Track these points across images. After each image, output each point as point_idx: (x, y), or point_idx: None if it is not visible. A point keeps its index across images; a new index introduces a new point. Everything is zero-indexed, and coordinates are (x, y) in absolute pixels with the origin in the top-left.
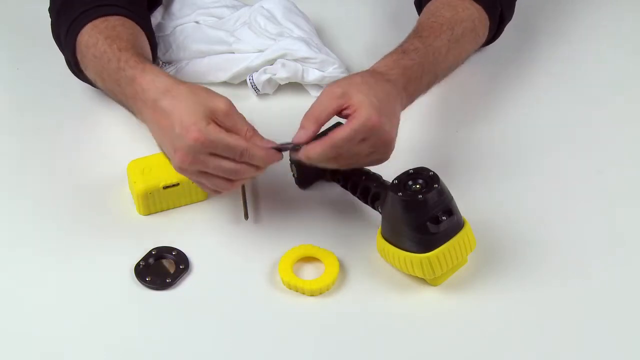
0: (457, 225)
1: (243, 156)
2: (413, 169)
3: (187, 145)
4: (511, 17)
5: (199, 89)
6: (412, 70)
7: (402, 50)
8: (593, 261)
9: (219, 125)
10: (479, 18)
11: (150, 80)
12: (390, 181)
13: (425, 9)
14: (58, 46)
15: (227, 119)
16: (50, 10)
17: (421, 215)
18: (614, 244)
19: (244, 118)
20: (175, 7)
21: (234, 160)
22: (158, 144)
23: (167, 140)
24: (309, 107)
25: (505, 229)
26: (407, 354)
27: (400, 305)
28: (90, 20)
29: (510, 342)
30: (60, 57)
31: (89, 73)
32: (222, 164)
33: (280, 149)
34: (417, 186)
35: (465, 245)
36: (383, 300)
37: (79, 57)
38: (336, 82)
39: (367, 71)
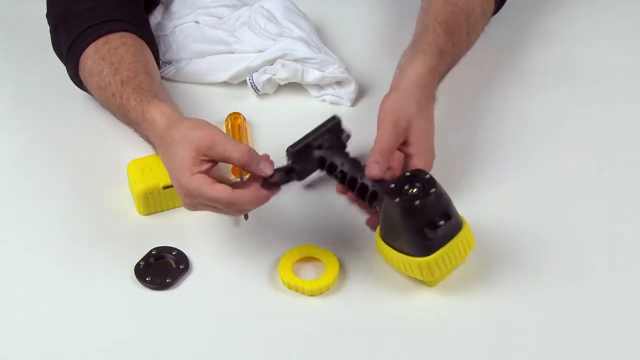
0: (454, 228)
1: (229, 208)
2: (410, 172)
3: (179, 191)
4: None
5: (187, 128)
6: (443, 73)
7: (439, 51)
8: (594, 262)
9: (211, 159)
10: (487, 1)
11: (149, 124)
12: (388, 181)
13: None
14: (59, 57)
15: (212, 152)
16: (47, 17)
17: (418, 220)
18: (615, 245)
19: (234, 143)
20: (175, 6)
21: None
22: None
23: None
24: (377, 138)
25: (504, 229)
26: (407, 354)
27: (400, 306)
28: (92, 41)
29: (510, 343)
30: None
31: (93, 96)
32: (214, 209)
33: (278, 180)
34: (414, 190)
35: (464, 247)
36: (383, 300)
37: (82, 79)
38: (397, 108)
39: (418, 88)
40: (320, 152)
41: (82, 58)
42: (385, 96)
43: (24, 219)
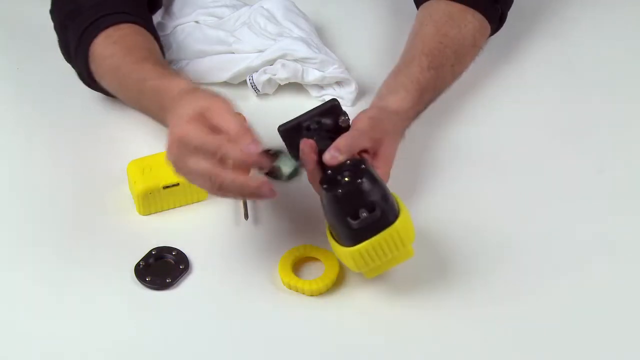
0: (382, 221)
1: (216, 155)
2: (350, 160)
3: (171, 141)
4: (510, 6)
5: (199, 93)
6: (421, 110)
7: (420, 89)
8: (593, 262)
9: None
10: (480, 30)
11: (167, 89)
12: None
13: (427, 16)
14: (65, 58)
15: (214, 116)
16: (51, 13)
17: (339, 208)
18: (615, 245)
19: (237, 118)
20: (176, 6)
21: (211, 160)
22: None
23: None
24: (350, 132)
25: (504, 229)
26: (407, 355)
27: (400, 306)
28: (103, 30)
29: (512, 345)
30: (60, 58)
31: (105, 83)
32: (199, 164)
33: (269, 170)
34: (347, 179)
35: (395, 242)
36: (383, 300)
37: (92, 67)
38: (377, 118)
39: (398, 117)
40: (309, 133)
41: (92, 47)
42: (365, 110)
43: (24, 218)
